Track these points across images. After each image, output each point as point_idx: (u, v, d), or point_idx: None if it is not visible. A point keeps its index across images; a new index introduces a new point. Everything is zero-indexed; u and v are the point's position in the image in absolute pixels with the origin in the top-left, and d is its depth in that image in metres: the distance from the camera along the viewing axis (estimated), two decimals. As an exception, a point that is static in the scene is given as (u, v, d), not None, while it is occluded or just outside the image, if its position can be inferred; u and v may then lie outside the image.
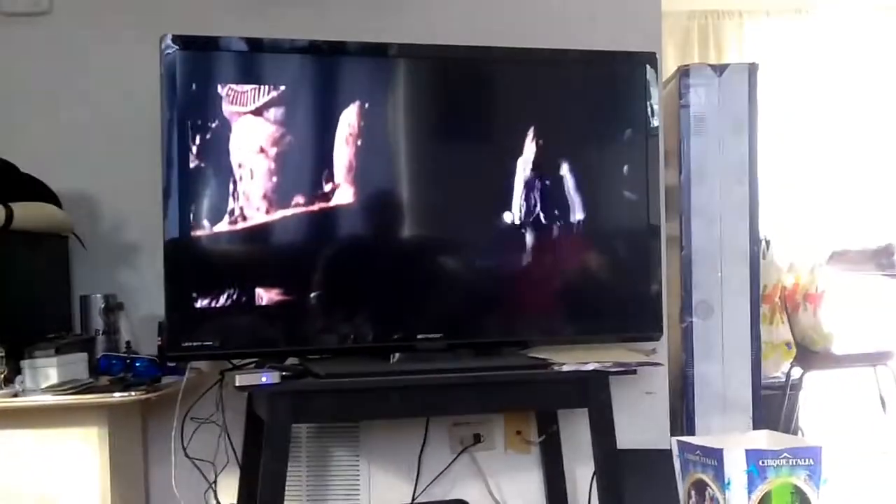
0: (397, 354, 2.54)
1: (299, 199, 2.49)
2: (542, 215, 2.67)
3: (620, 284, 2.74)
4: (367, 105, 2.54)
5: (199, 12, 2.88)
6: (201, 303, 2.42)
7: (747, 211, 3.04)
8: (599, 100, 2.75)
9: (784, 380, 4.02)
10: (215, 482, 2.74)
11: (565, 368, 2.50)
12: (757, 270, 3.04)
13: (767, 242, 4.03)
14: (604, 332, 2.73)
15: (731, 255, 3.03)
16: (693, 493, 2.31)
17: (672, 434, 2.96)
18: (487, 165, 2.65)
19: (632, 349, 2.71)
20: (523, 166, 2.64)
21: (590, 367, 2.51)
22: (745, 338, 3.00)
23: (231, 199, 2.46)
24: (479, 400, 2.51)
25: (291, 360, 2.54)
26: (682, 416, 3.03)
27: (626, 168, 2.72)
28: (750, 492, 2.20)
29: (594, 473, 2.53)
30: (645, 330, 2.73)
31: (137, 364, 2.57)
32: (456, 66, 2.66)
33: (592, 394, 2.50)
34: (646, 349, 2.75)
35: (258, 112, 2.48)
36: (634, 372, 2.61)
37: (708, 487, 2.26)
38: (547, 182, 2.65)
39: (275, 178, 2.48)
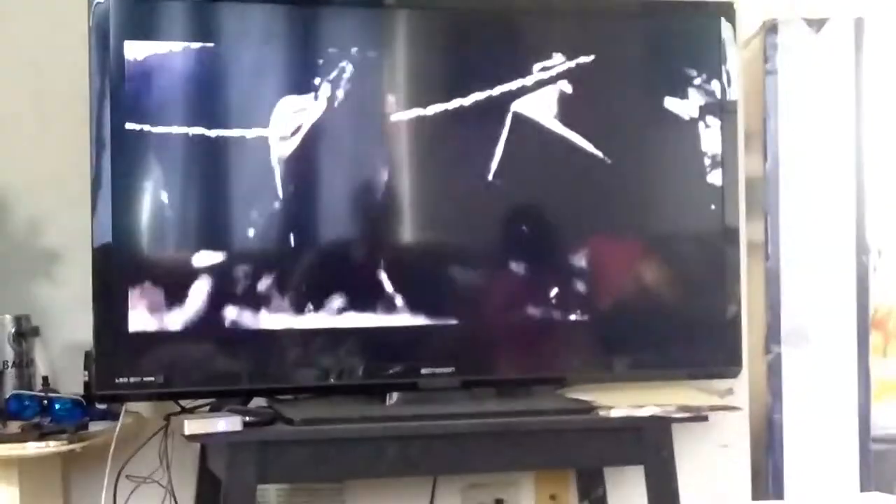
0: (395, 395, 2.54)
1: (266, 190, 2.50)
2: (583, 214, 2.68)
3: (687, 305, 2.74)
4: (356, 71, 2.54)
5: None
6: (140, 326, 2.41)
7: (853, 210, 3.03)
8: (658, 64, 2.76)
9: (901, 430, 4.01)
10: (158, 560, 2.74)
11: (615, 414, 2.49)
12: (866, 287, 3.04)
13: (879, 252, 4.01)
14: (665, 367, 2.73)
15: (831, 267, 3.02)
16: (782, 576, 2.30)
17: (754, 499, 2.96)
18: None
19: (701, 389, 2.71)
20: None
21: (647, 411, 2.50)
22: (850, 374, 2.99)
23: (181, 189, 2.47)
24: (502, 454, 2.49)
25: (257, 402, 2.54)
26: (768, 476, 3.01)
27: (693, 154, 2.72)
28: (856, 575, 2.19)
29: (652, 551, 2.53)
30: (718, 364, 2.73)
31: (57, 406, 2.56)
32: (474, 20, 2.67)
33: (650, 447, 2.50)
34: (720, 389, 2.75)
35: (217, 78, 2.49)
36: (705, 418, 2.59)
37: (801, 569, 2.25)
38: (590, 171, 2.66)
39: (234, 164, 2.50)
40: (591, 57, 2.67)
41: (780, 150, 3.05)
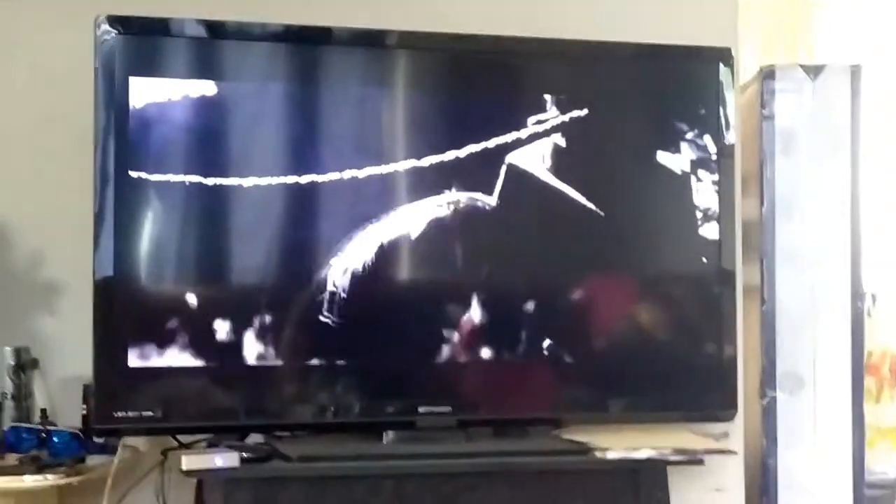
0: (391, 433, 2.54)
1: (267, 231, 2.53)
2: (580, 257, 2.70)
3: (682, 347, 2.75)
4: (359, 110, 2.58)
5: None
6: (139, 360, 2.42)
7: (849, 254, 3.03)
8: (657, 108, 2.77)
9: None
10: None
11: (610, 455, 2.49)
12: (861, 332, 3.03)
13: (874, 297, 4.01)
14: (660, 410, 2.73)
15: (827, 311, 3.02)
16: None
17: (748, 544, 2.95)
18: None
19: (696, 432, 2.71)
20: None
21: (642, 453, 2.51)
22: (845, 420, 2.99)
23: (182, 226, 2.49)
24: (498, 493, 2.49)
25: (255, 438, 2.54)
26: (762, 521, 3.01)
27: (691, 197, 2.73)
28: None
29: None
30: (714, 407, 2.73)
31: (55, 439, 2.56)
32: (474, 61, 2.68)
33: (645, 489, 2.50)
34: (715, 432, 2.75)
35: (218, 116, 2.51)
36: (701, 462, 2.60)
37: None
38: (587, 214, 2.67)
39: (237, 203, 2.50)
40: (585, 111, 2.67)
41: (778, 194, 3.05)
